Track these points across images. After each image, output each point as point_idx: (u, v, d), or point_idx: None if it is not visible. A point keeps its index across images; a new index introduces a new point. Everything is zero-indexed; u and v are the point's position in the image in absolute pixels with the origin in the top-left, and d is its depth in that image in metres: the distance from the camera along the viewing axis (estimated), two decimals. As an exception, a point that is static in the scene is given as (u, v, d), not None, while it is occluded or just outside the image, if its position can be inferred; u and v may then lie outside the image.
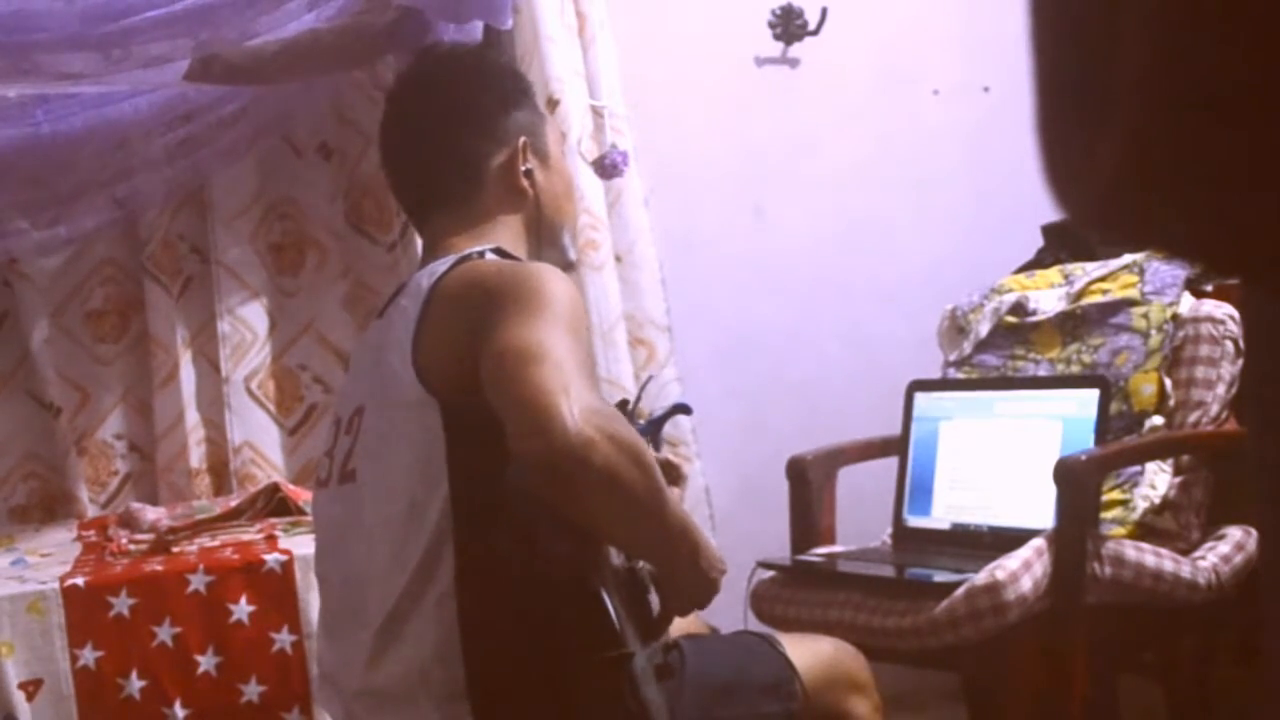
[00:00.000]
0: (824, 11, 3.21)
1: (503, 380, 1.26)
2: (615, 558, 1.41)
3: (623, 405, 1.74)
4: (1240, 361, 2.37)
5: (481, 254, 1.50)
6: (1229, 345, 2.40)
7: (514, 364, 1.25)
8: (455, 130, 1.60)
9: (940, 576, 2.17)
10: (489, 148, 1.59)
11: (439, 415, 1.38)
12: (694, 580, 1.40)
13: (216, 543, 2.30)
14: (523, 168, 1.60)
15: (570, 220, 1.69)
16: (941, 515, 2.50)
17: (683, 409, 1.80)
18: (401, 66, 2.16)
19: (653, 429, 1.67)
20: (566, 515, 1.29)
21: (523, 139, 1.60)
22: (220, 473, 2.88)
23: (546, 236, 1.63)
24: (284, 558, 2.15)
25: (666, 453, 1.74)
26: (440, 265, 1.48)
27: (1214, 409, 2.38)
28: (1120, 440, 2.36)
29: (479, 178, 1.59)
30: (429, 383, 1.39)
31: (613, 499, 1.24)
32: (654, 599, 1.44)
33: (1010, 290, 2.73)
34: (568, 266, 1.71)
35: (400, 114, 1.65)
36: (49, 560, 2.34)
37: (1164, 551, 2.25)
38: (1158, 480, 2.35)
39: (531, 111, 1.65)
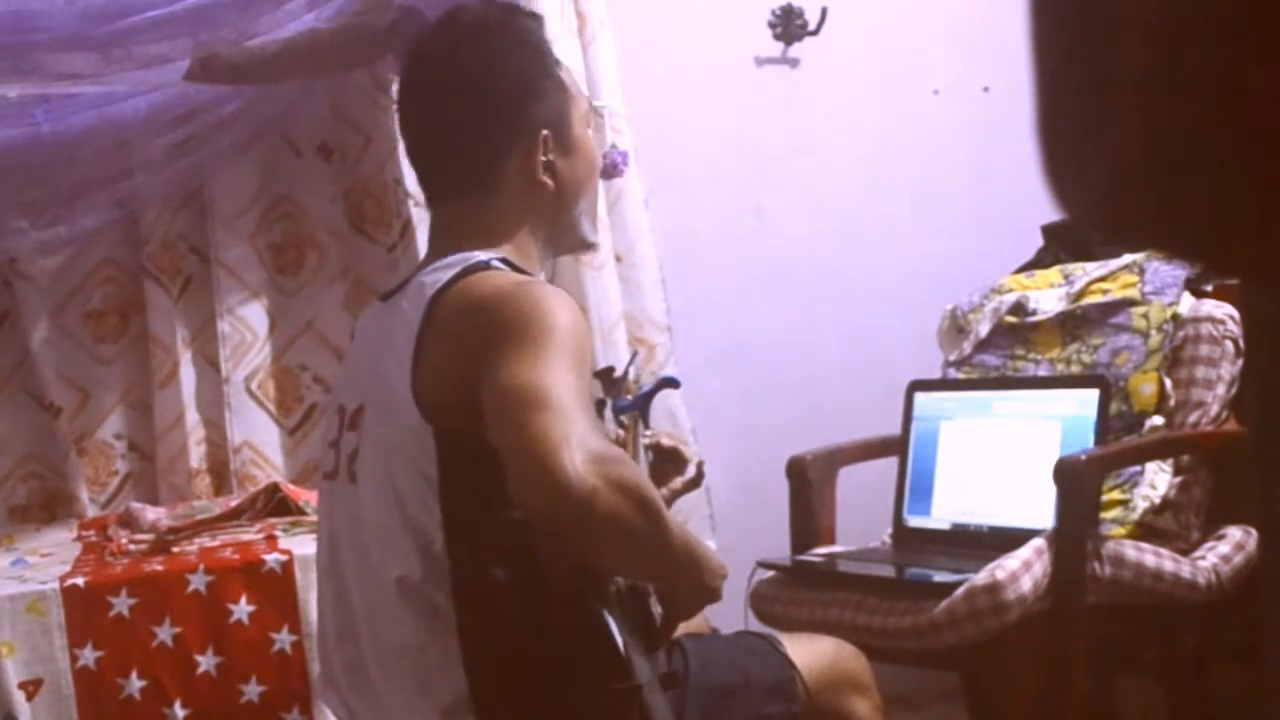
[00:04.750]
0: (824, 11, 3.21)
1: (506, 426, 1.24)
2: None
3: (609, 372, 1.74)
4: (1240, 361, 2.37)
5: (488, 263, 1.46)
6: (1229, 345, 2.40)
7: (516, 408, 1.23)
8: (474, 126, 1.53)
9: (940, 576, 2.17)
10: (508, 144, 1.53)
11: (434, 443, 1.37)
12: (698, 593, 1.40)
13: (216, 543, 2.30)
14: (543, 159, 1.53)
15: (591, 199, 1.60)
16: (941, 515, 2.50)
17: (671, 382, 1.79)
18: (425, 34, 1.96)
19: (641, 403, 1.66)
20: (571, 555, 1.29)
21: (544, 132, 1.53)
22: (220, 473, 2.88)
23: (565, 223, 1.58)
24: (284, 558, 2.15)
25: (662, 434, 1.74)
26: (445, 272, 1.44)
27: (1214, 409, 2.38)
28: (1120, 440, 2.36)
29: (496, 174, 1.53)
30: (426, 409, 1.37)
31: (618, 543, 1.23)
32: (656, 607, 1.44)
33: (1010, 290, 2.73)
34: (587, 248, 1.68)
35: (421, 89, 1.58)
36: (49, 560, 2.34)
37: (1164, 551, 2.25)
38: (1158, 480, 2.35)
39: (556, 92, 1.56)
